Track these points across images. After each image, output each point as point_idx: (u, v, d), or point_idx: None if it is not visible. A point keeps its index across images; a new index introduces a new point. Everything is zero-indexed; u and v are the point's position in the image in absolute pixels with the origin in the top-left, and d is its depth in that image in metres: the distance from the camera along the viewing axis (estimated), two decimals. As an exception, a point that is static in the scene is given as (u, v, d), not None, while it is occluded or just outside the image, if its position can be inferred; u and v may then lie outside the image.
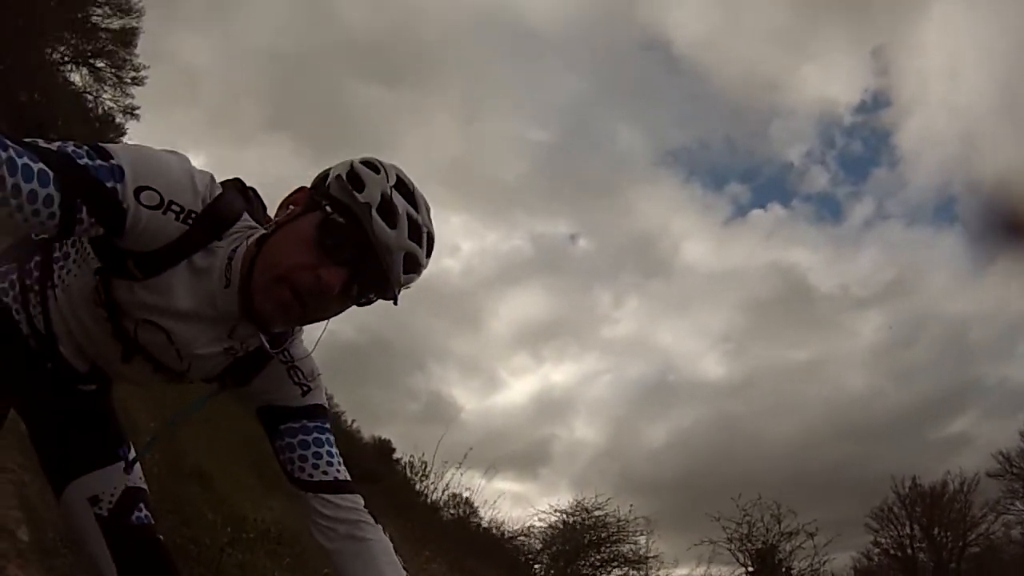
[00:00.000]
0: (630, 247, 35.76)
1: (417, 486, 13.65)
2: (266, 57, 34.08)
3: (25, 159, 0.92)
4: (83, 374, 1.31)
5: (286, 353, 1.28)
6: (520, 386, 36.28)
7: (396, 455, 22.39)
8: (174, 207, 1.06)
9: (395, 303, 1.15)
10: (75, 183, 0.97)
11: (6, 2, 12.83)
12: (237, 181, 1.21)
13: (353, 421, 23.75)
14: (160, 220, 1.06)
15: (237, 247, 1.13)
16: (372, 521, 1.26)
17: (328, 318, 1.17)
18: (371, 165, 1.11)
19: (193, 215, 1.08)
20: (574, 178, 40.27)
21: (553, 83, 39.13)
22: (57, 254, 1.26)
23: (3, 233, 1.20)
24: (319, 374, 1.33)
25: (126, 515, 1.38)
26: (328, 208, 1.08)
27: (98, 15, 19.56)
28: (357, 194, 1.07)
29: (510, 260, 34.51)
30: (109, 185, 1.01)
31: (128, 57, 19.98)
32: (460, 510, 13.91)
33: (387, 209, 1.07)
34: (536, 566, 14.54)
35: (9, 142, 0.91)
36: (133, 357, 1.23)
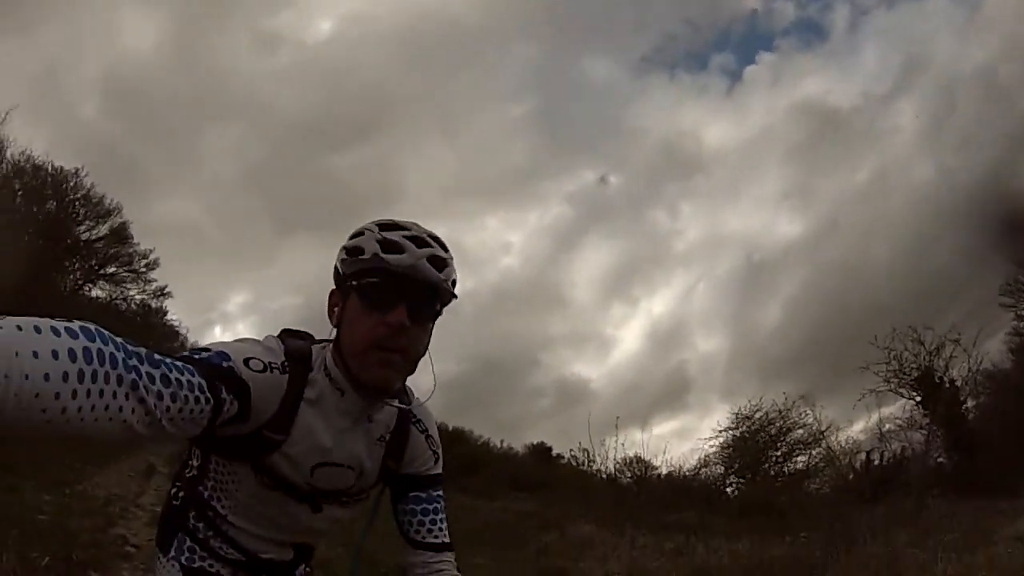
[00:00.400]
0: (657, 160, 36.05)
1: (588, 471, 13.98)
2: (242, 178, 35.24)
3: (169, 359, 1.04)
4: (290, 561, 1.51)
5: (420, 423, 1.46)
6: (629, 334, 36.55)
7: (555, 452, 22.99)
8: (272, 366, 1.25)
9: (455, 296, 1.32)
10: (208, 369, 1.12)
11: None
12: (282, 331, 1.40)
13: (502, 441, 24.72)
14: (269, 379, 1.23)
15: (325, 365, 1.31)
16: (457, 574, 1.49)
17: (423, 348, 1.31)
18: (353, 235, 1.30)
19: (285, 365, 1.27)
20: (573, 128, 40.86)
21: (508, 60, 39.56)
22: (207, 494, 1.42)
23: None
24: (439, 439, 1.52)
25: None
26: (354, 283, 1.26)
27: (84, 231, 20.48)
28: (362, 258, 1.26)
29: (559, 229, 35.46)
30: (226, 365, 1.17)
31: (131, 251, 21.11)
32: (636, 470, 14.07)
33: (388, 246, 1.24)
34: (728, 489, 15.00)
35: (153, 352, 1.03)
36: (322, 506, 1.40)
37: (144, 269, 21.49)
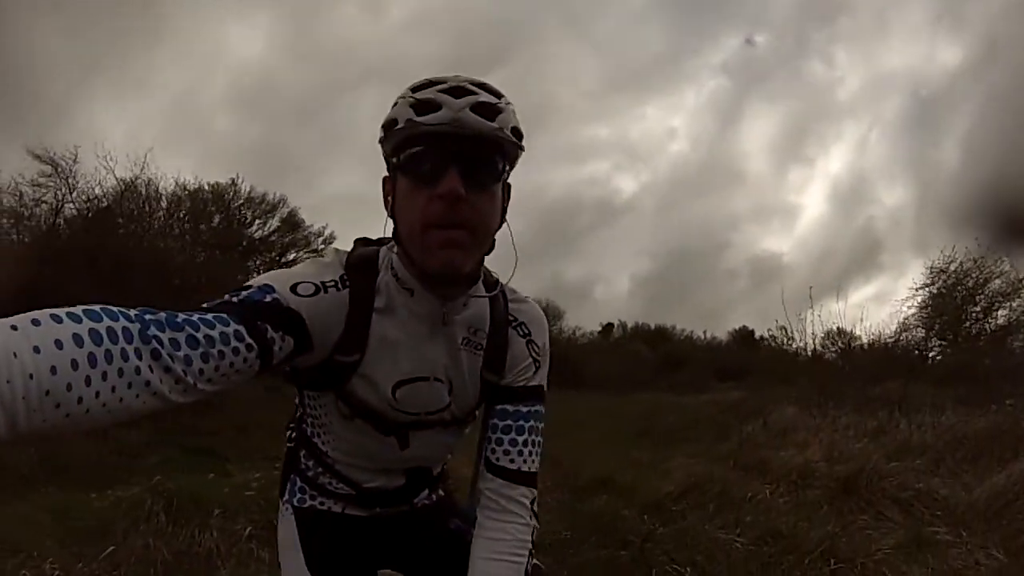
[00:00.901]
0: (796, 9, 34.51)
1: (789, 350, 13.92)
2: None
3: (197, 315, 0.95)
4: (403, 488, 1.40)
5: (522, 326, 1.30)
6: (812, 198, 36.72)
7: (757, 334, 23.52)
8: (326, 284, 1.13)
9: (521, 149, 1.13)
10: (247, 311, 1.01)
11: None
12: (356, 240, 1.29)
13: (704, 332, 25.54)
14: (324, 300, 1.12)
15: (391, 265, 1.19)
16: (528, 519, 1.29)
17: (493, 217, 1.14)
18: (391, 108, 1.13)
19: (344, 278, 1.15)
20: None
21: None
22: (309, 430, 1.35)
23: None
24: (548, 346, 1.34)
25: None
26: (395, 160, 1.11)
27: (256, 230, 22.16)
28: (398, 128, 1.08)
29: (719, 102, 35.01)
30: (269, 299, 1.05)
31: (306, 233, 22.64)
32: (837, 343, 13.83)
33: (422, 107, 1.06)
34: (930, 354, 14.39)
35: (175, 313, 0.94)
36: (409, 437, 1.29)
37: (323, 246, 22.57)
